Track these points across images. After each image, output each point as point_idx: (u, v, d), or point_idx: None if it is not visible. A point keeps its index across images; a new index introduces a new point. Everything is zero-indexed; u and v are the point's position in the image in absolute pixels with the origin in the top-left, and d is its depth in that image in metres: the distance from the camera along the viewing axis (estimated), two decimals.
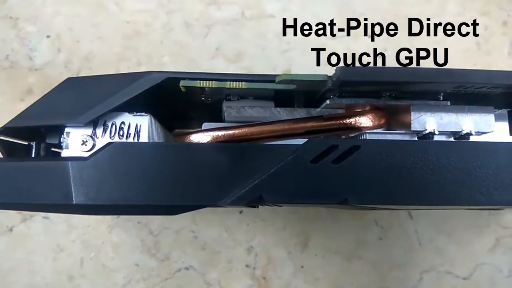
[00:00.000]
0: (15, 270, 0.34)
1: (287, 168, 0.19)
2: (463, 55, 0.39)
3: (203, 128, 0.22)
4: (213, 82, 0.19)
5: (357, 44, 0.38)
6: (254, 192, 0.19)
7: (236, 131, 0.20)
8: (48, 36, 0.37)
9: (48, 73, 0.37)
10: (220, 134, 0.20)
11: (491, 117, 0.20)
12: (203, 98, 0.21)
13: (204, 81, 0.19)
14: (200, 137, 0.20)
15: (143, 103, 0.20)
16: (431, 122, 0.20)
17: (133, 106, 0.20)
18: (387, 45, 0.38)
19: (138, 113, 0.20)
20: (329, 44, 0.38)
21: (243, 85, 0.19)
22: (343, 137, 0.22)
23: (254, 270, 0.35)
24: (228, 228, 0.35)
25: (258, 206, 0.23)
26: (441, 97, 0.20)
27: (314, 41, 0.38)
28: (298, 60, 0.38)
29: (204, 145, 0.20)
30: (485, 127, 0.20)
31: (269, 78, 0.19)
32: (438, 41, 0.39)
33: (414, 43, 0.38)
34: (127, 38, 0.37)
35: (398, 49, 0.38)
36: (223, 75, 0.19)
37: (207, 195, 0.19)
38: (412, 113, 0.20)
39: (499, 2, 0.40)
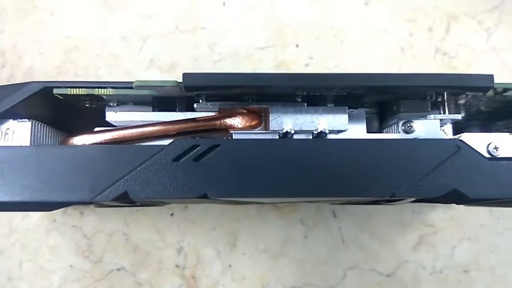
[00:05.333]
0: None
1: (151, 167, 0.21)
2: (388, 61, 0.41)
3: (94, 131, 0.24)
4: (82, 89, 0.21)
5: (284, 53, 0.40)
6: (119, 189, 0.21)
7: (110, 134, 0.22)
8: None
9: None
10: (98, 137, 0.22)
11: (344, 116, 0.22)
12: (87, 105, 0.23)
13: (74, 89, 0.21)
14: (81, 140, 0.23)
15: (27, 110, 0.22)
16: (288, 122, 0.22)
17: (18, 113, 0.22)
18: (313, 53, 0.40)
19: (21, 120, 0.22)
20: (258, 53, 0.40)
21: (110, 91, 0.21)
22: (224, 138, 0.24)
23: (183, 270, 0.37)
24: (159, 230, 0.37)
25: (135, 203, 0.25)
26: (299, 99, 0.22)
27: (244, 51, 0.40)
28: (229, 69, 0.40)
29: (79, 147, 0.22)
30: (339, 125, 0.22)
31: (130, 85, 0.21)
32: (364, 48, 0.41)
33: (341, 51, 0.40)
34: (67, 52, 0.39)
35: (324, 57, 0.40)
36: (91, 83, 0.21)
37: (78, 192, 0.21)
38: (270, 115, 0.22)
39: (425, 9, 0.42)
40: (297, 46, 0.40)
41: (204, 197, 0.21)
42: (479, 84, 0.20)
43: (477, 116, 0.28)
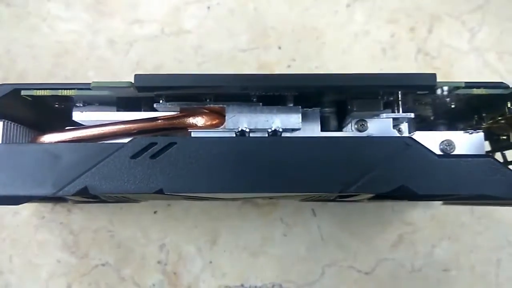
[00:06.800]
0: None
1: (110, 163, 0.22)
2: (370, 62, 0.41)
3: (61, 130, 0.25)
4: (47, 91, 0.22)
5: (267, 55, 0.41)
6: (80, 184, 0.22)
7: (76, 133, 0.23)
8: None
9: None
10: (65, 135, 0.24)
11: (298, 115, 0.23)
12: (56, 105, 0.25)
13: (39, 90, 0.22)
14: (49, 138, 0.24)
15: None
16: (243, 121, 0.23)
17: None
18: (296, 55, 0.41)
19: None
20: (241, 55, 0.41)
21: (73, 92, 0.22)
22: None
23: (165, 266, 0.38)
24: (143, 227, 0.38)
25: (99, 197, 0.26)
26: (255, 99, 0.23)
27: (227, 53, 0.41)
28: (213, 71, 0.41)
29: (44, 144, 0.23)
30: (293, 124, 0.23)
31: (89, 86, 0.22)
32: (345, 50, 0.41)
33: (323, 52, 0.41)
34: (57, 56, 0.41)
35: (306, 59, 0.41)
36: (55, 85, 0.23)
37: (42, 187, 0.22)
38: (227, 114, 0.23)
39: (407, 10, 0.42)
40: (279, 48, 0.41)
41: (159, 192, 0.22)
42: (421, 83, 0.21)
43: (444, 116, 0.29)
